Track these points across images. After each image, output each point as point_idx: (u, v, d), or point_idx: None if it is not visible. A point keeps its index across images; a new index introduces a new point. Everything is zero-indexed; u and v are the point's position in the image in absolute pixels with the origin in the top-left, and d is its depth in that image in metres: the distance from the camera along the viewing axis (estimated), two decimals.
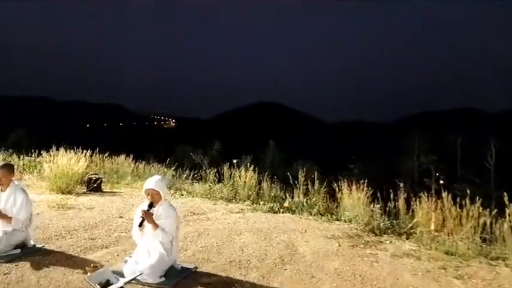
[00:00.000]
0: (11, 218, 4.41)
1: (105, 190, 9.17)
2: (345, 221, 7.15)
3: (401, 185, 7.63)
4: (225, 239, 5.47)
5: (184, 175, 10.79)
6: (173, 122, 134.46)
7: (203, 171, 10.24)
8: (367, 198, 7.51)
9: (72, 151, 10.32)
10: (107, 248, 4.87)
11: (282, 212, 7.84)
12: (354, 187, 7.77)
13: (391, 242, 5.92)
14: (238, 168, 10.09)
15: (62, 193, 8.35)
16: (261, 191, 9.33)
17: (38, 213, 6.51)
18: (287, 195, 8.87)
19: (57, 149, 10.54)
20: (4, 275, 3.83)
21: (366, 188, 7.57)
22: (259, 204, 8.34)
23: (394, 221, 6.95)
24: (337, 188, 8.09)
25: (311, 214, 7.67)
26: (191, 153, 11.32)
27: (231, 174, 9.82)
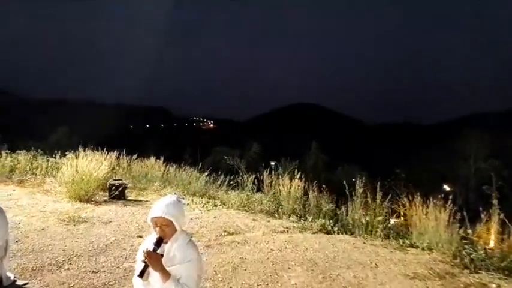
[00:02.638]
0: None
1: (129, 198, 8.02)
2: (423, 249, 5.51)
3: (495, 201, 5.91)
4: (269, 277, 4.03)
5: (219, 181, 9.47)
6: (212, 124, 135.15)
7: (240, 177, 8.86)
8: (451, 217, 5.83)
9: (97, 153, 9.35)
10: None
11: (338, 232, 6.31)
12: (431, 203, 6.11)
13: (499, 286, 4.24)
14: (276, 170, 8.65)
15: (80, 201, 7.27)
16: (308, 203, 7.81)
17: (43, 229, 5.43)
18: (342, 209, 7.34)
19: (84, 150, 9.61)
20: None
21: (448, 206, 5.89)
22: (307, 220, 6.84)
23: (489, 251, 5.27)
24: (407, 203, 6.46)
25: (374, 236, 6.10)
26: (225, 156, 9.96)
27: (272, 181, 8.37)
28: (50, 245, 4.74)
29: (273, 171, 8.64)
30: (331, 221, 6.78)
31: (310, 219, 6.90)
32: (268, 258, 4.62)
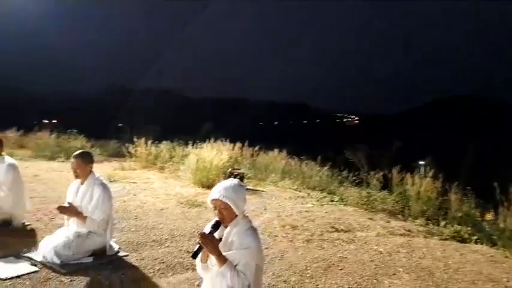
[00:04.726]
0: (86, 217, 3.59)
1: (247, 187, 8.20)
2: None
3: None
4: (365, 281, 3.46)
5: (341, 176, 8.90)
6: (356, 120, 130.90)
7: (364, 174, 8.14)
8: None
9: (224, 144, 9.90)
10: (193, 269, 3.59)
11: (475, 242, 5.16)
12: None
13: None
14: (425, 170, 7.64)
15: (202, 187, 7.77)
16: (446, 205, 6.62)
17: (161, 209, 5.91)
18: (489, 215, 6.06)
19: (215, 141, 10.29)
20: None
21: None
22: (439, 225, 5.80)
23: None
24: None
25: None
26: (344, 150, 9.30)
27: (403, 179, 7.41)
28: (161, 223, 5.09)
29: (418, 171, 7.71)
30: (469, 228, 5.62)
31: (443, 224, 5.86)
32: (372, 261, 4.00)
